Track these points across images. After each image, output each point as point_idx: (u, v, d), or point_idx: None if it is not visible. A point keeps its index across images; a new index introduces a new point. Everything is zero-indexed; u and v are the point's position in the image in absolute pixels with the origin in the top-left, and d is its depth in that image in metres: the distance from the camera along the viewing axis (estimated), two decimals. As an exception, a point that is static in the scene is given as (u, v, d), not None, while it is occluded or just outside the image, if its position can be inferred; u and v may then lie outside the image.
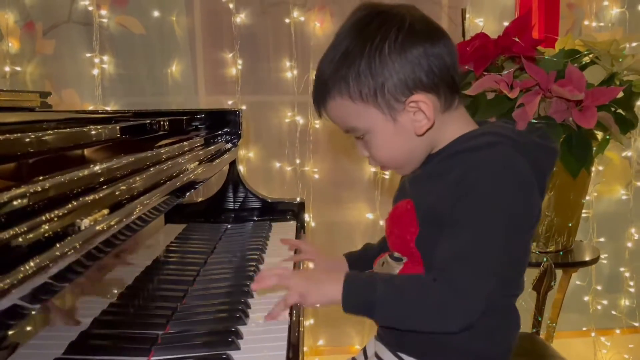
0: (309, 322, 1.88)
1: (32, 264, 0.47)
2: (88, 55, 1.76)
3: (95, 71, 1.75)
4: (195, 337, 0.69)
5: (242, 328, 0.72)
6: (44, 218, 0.52)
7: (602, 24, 1.91)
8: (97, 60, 1.75)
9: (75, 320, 0.61)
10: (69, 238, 0.54)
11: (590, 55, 1.39)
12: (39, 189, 0.53)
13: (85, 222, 0.58)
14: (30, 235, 0.49)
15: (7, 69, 1.74)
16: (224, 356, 0.64)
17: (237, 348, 0.67)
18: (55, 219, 0.53)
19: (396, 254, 0.79)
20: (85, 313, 0.63)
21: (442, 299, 0.69)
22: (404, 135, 0.76)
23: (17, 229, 0.47)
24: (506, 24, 1.66)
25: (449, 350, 0.76)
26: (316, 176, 1.88)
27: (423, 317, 0.71)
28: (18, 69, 1.76)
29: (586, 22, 1.92)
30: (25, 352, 0.49)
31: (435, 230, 0.72)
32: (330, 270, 0.84)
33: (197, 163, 1.06)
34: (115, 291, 0.71)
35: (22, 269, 0.46)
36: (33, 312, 0.49)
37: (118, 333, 0.68)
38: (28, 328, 0.50)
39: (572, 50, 1.39)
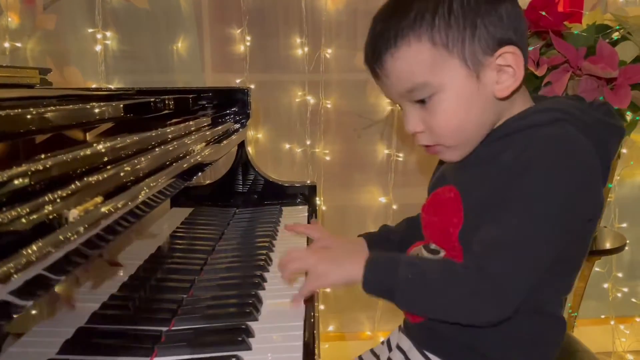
0: (319, 307, 1.83)
1: (34, 248, 0.43)
2: (90, 30, 1.68)
3: (98, 47, 1.68)
4: (202, 335, 0.64)
5: (253, 324, 0.66)
6: (46, 199, 0.47)
7: (629, -1, 1.81)
8: (99, 35, 1.68)
9: (71, 315, 0.55)
10: (72, 221, 0.49)
11: (621, 31, 1.30)
12: (41, 168, 0.49)
13: (89, 205, 0.53)
14: (33, 217, 0.45)
15: (6, 44, 1.67)
16: (234, 358, 0.58)
17: (248, 348, 0.61)
18: (58, 200, 0.48)
19: (433, 246, 0.71)
20: (83, 306, 0.57)
21: (472, 287, 0.61)
22: (483, 98, 0.65)
23: (18, 210, 0.43)
24: (529, -2, 1.57)
25: (482, 356, 0.68)
26: (327, 158, 1.82)
27: (448, 306, 0.63)
28: (18, 44, 1.69)
29: (613, -3, 1.82)
30: (15, 350, 0.44)
31: (482, 224, 0.64)
32: (351, 251, 0.77)
33: (204, 144, 1.00)
34: (117, 282, 0.65)
35: (24, 253, 0.42)
36: (26, 308, 0.44)
37: (119, 330, 0.63)
38: (17, 324, 0.45)
39: (603, 25, 1.31)
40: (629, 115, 1.30)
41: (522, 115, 0.67)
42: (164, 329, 0.66)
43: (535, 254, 0.61)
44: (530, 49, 1.26)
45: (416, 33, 0.64)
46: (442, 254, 0.70)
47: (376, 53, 0.67)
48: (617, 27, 1.30)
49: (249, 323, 0.66)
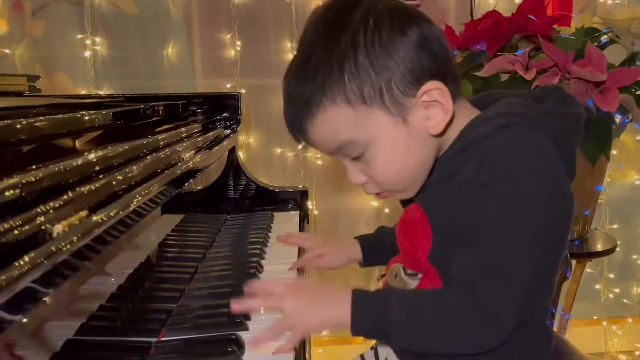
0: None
1: (26, 259, 0.43)
2: (79, 36, 1.67)
3: (87, 53, 1.67)
4: (192, 345, 0.63)
5: (243, 334, 0.66)
6: (39, 210, 0.47)
7: (617, 1, 1.83)
8: (88, 41, 1.67)
9: (59, 327, 0.55)
10: (65, 232, 0.49)
11: (610, 34, 1.31)
12: (32, 179, 0.49)
13: (81, 215, 0.53)
14: (25, 228, 0.45)
15: (-6, 51, 1.66)
16: (224, 369, 0.58)
17: (238, 358, 0.61)
18: (51, 211, 0.48)
19: (410, 270, 0.70)
20: (72, 317, 0.57)
21: (470, 320, 0.58)
22: (417, 139, 0.63)
23: (11, 222, 0.43)
24: (518, 1, 1.58)
25: None
26: (319, 162, 1.81)
27: (451, 342, 0.60)
28: (7, 51, 1.68)
29: (601, 0, 1.83)
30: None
31: (452, 244, 0.62)
32: (330, 291, 0.65)
33: (196, 150, 1.00)
34: (106, 292, 0.64)
35: (16, 265, 0.42)
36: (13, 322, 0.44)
37: (108, 341, 0.62)
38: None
39: (591, 28, 1.32)
40: (618, 118, 1.31)
41: (470, 127, 0.65)
42: (154, 339, 0.65)
43: (522, 274, 0.59)
44: (519, 52, 1.27)
45: (328, 97, 0.60)
46: (420, 276, 0.69)
47: (295, 124, 0.64)
48: (606, 30, 1.31)
49: (239, 333, 0.66)
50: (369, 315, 0.60)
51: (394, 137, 0.62)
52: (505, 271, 0.59)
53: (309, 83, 0.61)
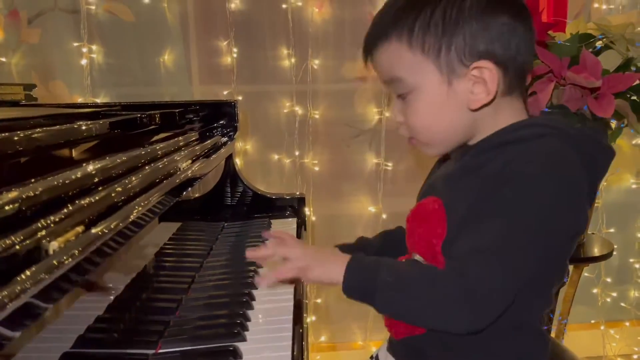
0: (310, 318, 1.83)
1: (28, 273, 0.43)
2: (76, 44, 1.68)
3: (84, 61, 1.67)
4: (189, 357, 0.63)
5: (241, 345, 0.66)
6: (39, 225, 0.48)
7: (612, 7, 1.84)
8: (85, 49, 1.67)
9: (56, 339, 0.55)
10: (65, 246, 0.49)
11: (604, 40, 1.32)
12: (32, 194, 0.49)
13: (82, 228, 0.53)
14: (27, 243, 0.45)
15: (-9, 59, 1.66)
16: (222, 381, 0.58)
17: (236, 370, 0.61)
18: (52, 225, 0.49)
19: (417, 256, 0.70)
20: (68, 329, 0.56)
21: (446, 291, 0.60)
22: (453, 106, 0.67)
23: (12, 238, 0.44)
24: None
25: None
26: (316, 168, 1.82)
27: (421, 310, 0.62)
28: (3, 59, 1.68)
29: (595, 5, 1.84)
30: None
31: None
32: (336, 253, 0.74)
33: (194, 159, 1.00)
34: (103, 304, 0.64)
35: (18, 279, 0.42)
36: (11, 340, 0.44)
37: (105, 354, 0.62)
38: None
39: (586, 34, 1.32)
40: (613, 123, 1.32)
41: (509, 128, 0.68)
42: (151, 352, 0.65)
43: (512, 262, 0.60)
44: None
45: (397, 33, 0.67)
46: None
47: (367, 43, 0.71)
48: (600, 36, 1.32)
49: (237, 344, 0.66)
50: (359, 275, 0.65)
51: (434, 93, 0.67)
52: (495, 254, 0.60)
53: (392, 15, 0.68)
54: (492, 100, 0.67)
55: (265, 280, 0.70)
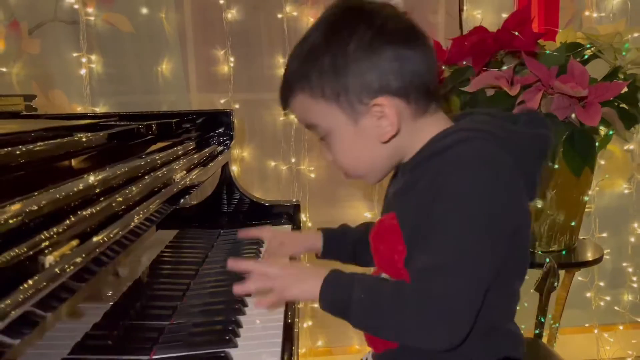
0: (306, 323, 1.85)
1: (30, 282, 0.46)
2: (75, 54, 1.70)
3: (83, 71, 1.70)
4: (183, 363, 0.66)
5: (232, 351, 0.68)
6: (42, 237, 0.50)
7: (602, 15, 1.86)
8: (84, 59, 1.70)
9: (54, 346, 0.57)
10: (67, 255, 0.52)
11: (592, 49, 1.34)
12: (35, 207, 0.51)
13: (83, 238, 0.55)
14: (30, 254, 0.47)
15: (-8, 69, 1.69)
16: (213, 386, 0.60)
17: (227, 375, 0.63)
18: (55, 236, 0.51)
19: (383, 275, 0.72)
20: (65, 336, 0.59)
21: (419, 313, 0.61)
22: (366, 141, 0.71)
23: (16, 250, 0.46)
24: (505, 15, 1.61)
25: None
26: (312, 175, 1.84)
27: (398, 330, 0.64)
28: (4, 69, 1.71)
29: (587, 13, 1.87)
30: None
31: (417, 249, 0.66)
32: (314, 270, 0.73)
33: (191, 168, 1.03)
34: (100, 311, 0.67)
35: (20, 289, 0.44)
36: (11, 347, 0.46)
37: (100, 360, 0.65)
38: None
39: (574, 43, 1.34)
40: (602, 130, 1.34)
41: (436, 138, 0.70)
42: (145, 357, 0.67)
43: (471, 271, 0.62)
44: (504, 68, 1.30)
45: (300, 86, 0.71)
46: None
47: (280, 97, 0.76)
48: (589, 45, 1.34)
49: (229, 350, 0.68)
50: (334, 291, 0.66)
51: (346, 133, 0.71)
52: (453, 270, 0.61)
53: (292, 68, 0.72)
54: (399, 131, 0.70)
55: (259, 304, 0.71)
